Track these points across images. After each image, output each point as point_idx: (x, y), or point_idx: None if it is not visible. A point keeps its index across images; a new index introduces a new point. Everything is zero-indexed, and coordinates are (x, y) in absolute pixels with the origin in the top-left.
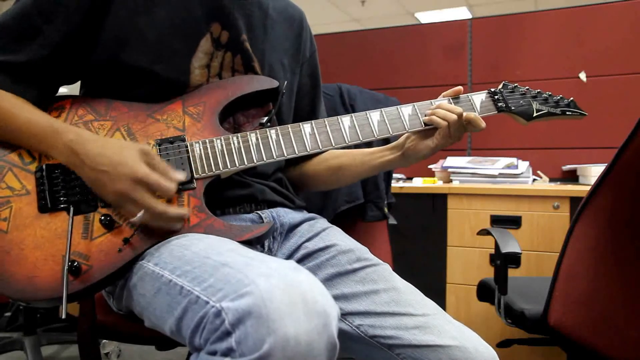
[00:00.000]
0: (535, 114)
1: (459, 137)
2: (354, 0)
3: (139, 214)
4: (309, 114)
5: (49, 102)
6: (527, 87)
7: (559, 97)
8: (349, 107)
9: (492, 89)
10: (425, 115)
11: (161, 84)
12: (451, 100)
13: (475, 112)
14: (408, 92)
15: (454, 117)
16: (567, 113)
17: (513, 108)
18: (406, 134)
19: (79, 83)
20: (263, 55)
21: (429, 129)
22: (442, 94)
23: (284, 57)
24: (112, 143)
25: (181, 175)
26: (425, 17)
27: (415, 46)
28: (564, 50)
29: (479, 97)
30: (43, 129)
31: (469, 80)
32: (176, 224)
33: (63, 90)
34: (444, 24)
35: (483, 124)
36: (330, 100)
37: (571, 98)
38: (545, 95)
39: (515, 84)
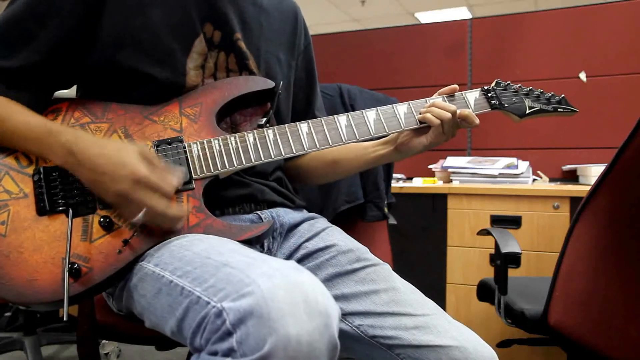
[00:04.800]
0: (528, 111)
1: (453, 134)
2: (354, 0)
3: (140, 214)
4: (305, 108)
5: (45, 106)
6: (519, 85)
7: (550, 95)
8: (349, 107)
9: (486, 87)
10: (420, 113)
11: (158, 85)
12: (445, 98)
13: (469, 109)
14: (408, 92)
15: (448, 115)
16: (559, 110)
17: (506, 105)
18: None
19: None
20: (259, 51)
21: (423, 127)
22: (438, 91)
23: (280, 52)
24: (111, 144)
25: (180, 174)
26: (425, 17)
27: (415, 46)
28: (564, 50)
29: (472, 95)
30: (38, 132)
31: (468, 80)
32: (177, 224)
33: (62, 91)
34: (444, 24)
35: (477, 121)
36: (330, 100)
37: (562, 95)
38: (537, 92)
39: (508, 82)
